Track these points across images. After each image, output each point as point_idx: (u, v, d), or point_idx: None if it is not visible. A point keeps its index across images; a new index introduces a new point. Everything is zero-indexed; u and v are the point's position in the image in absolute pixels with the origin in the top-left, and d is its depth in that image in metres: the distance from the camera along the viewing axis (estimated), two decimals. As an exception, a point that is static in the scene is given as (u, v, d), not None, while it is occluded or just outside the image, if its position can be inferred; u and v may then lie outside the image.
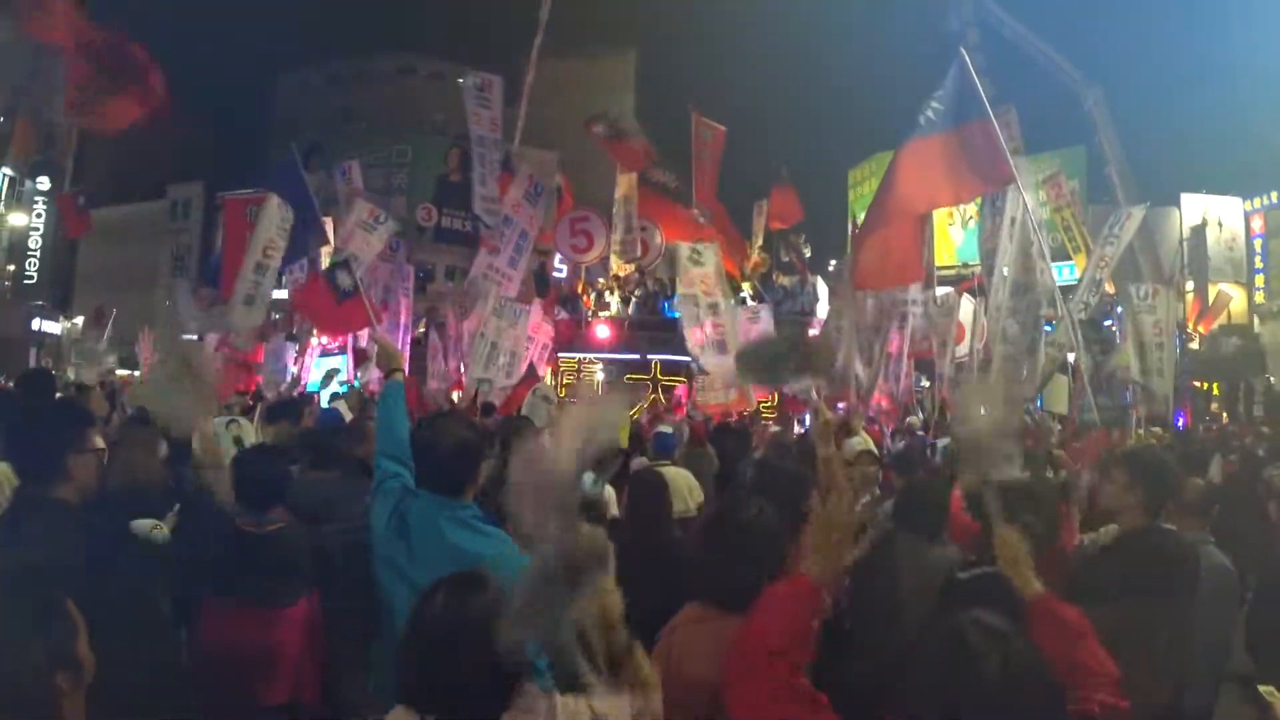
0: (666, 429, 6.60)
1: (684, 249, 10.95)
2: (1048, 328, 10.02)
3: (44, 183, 30.00)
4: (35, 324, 29.09)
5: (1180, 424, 17.05)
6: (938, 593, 2.54)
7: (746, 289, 16.33)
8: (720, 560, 2.29)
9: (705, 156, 16.34)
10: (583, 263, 16.72)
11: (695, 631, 2.28)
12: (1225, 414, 25.38)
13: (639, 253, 16.33)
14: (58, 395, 7.04)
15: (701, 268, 10.39)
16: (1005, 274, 9.11)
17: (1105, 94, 23.49)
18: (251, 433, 4.57)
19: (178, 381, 3.72)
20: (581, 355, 15.18)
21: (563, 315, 13.30)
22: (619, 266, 16.71)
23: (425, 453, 2.69)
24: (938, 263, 14.33)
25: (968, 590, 2.45)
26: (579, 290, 16.94)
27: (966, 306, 12.60)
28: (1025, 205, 8.25)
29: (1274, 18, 30.92)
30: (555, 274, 18.05)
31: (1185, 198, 29.78)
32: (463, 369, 11.48)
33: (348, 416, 7.17)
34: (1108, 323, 21.09)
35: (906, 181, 8.02)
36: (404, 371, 3.41)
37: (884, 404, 11.82)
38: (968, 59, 8.54)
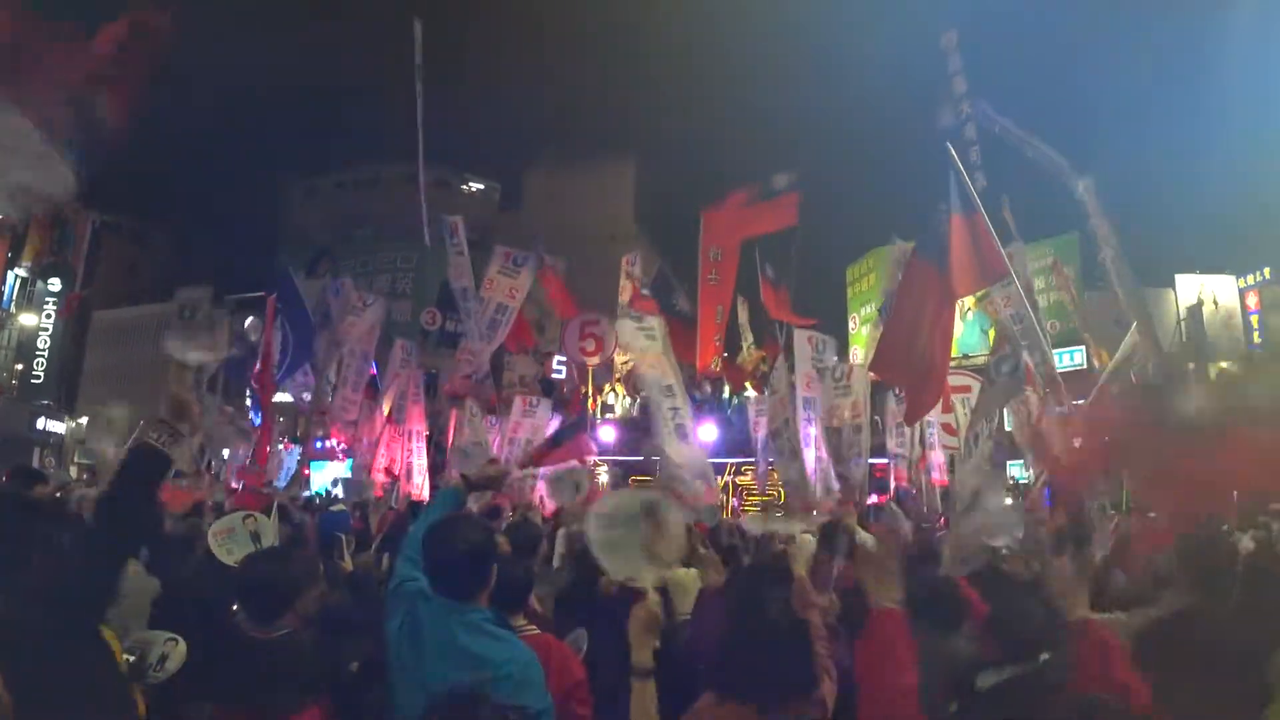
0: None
1: (629, 323, 10.28)
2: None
3: (55, 284, 30.50)
4: (40, 423, 29.13)
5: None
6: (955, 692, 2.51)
7: (750, 389, 16.32)
8: (749, 654, 2.29)
9: (715, 255, 16.47)
10: (590, 365, 16.86)
11: (719, 715, 2.26)
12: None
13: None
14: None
15: (653, 343, 9.61)
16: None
17: (1095, 182, 23.92)
18: (270, 528, 4.49)
19: None
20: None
21: (556, 418, 13.25)
22: (620, 362, 16.70)
23: (437, 557, 2.72)
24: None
25: (990, 701, 2.40)
26: (586, 393, 16.95)
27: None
28: (1023, 293, 8.43)
29: (1260, 98, 31.74)
30: (554, 375, 18.07)
31: (1180, 278, 30.03)
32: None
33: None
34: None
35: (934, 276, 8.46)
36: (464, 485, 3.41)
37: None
38: (954, 155, 8.88)
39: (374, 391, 14.19)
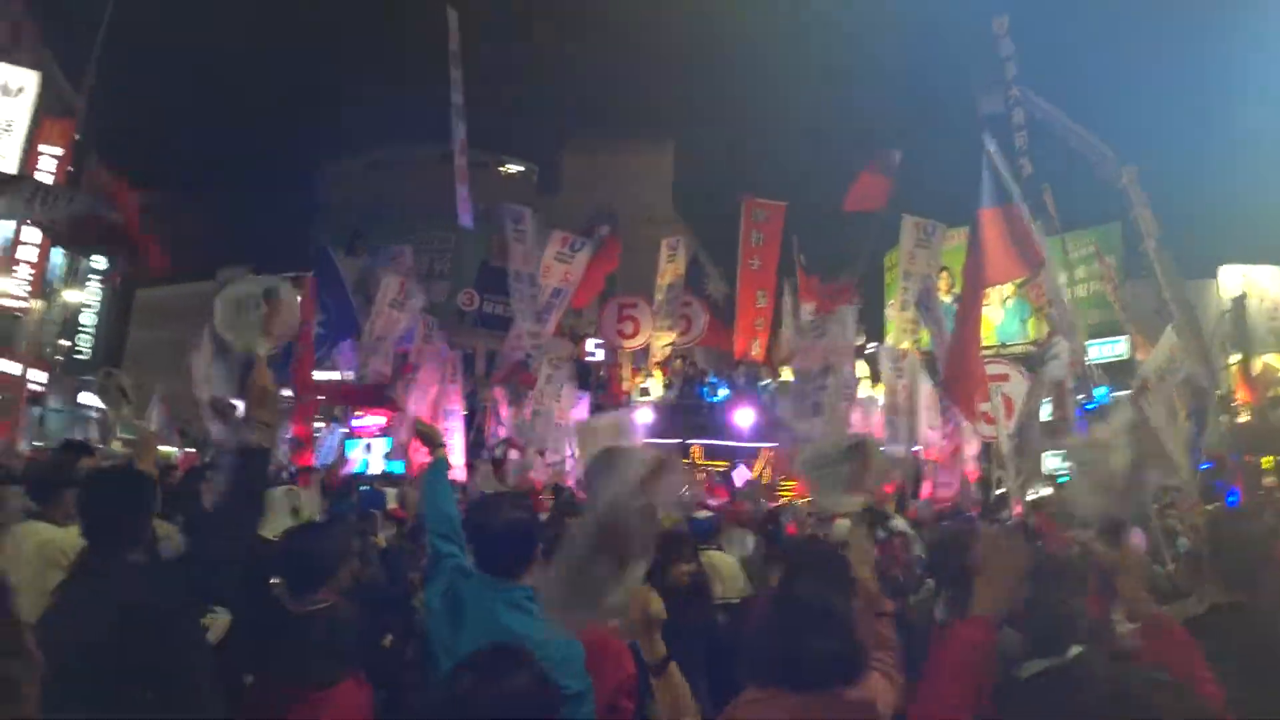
0: (702, 515, 6.59)
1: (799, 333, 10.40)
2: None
3: (100, 262, 30.97)
4: (82, 397, 29.71)
5: (1232, 500, 16.47)
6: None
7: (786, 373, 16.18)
8: (790, 641, 2.24)
9: (757, 239, 16.31)
10: (627, 349, 16.70)
11: (759, 711, 2.21)
12: (1280, 486, 24.40)
13: (683, 328, 16.53)
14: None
15: (823, 339, 8.81)
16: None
17: (1139, 171, 23.34)
18: (309, 502, 4.57)
19: None
20: (621, 440, 15.07)
21: (584, 398, 13.19)
22: (659, 336, 16.68)
23: (480, 535, 2.73)
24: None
25: (1030, 692, 2.36)
26: (623, 374, 16.81)
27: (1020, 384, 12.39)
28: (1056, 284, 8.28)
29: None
30: (588, 358, 17.99)
31: (1223, 269, 29.32)
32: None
33: (392, 502, 7.34)
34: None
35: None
36: (445, 448, 3.48)
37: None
38: (989, 147, 8.71)
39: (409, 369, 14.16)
